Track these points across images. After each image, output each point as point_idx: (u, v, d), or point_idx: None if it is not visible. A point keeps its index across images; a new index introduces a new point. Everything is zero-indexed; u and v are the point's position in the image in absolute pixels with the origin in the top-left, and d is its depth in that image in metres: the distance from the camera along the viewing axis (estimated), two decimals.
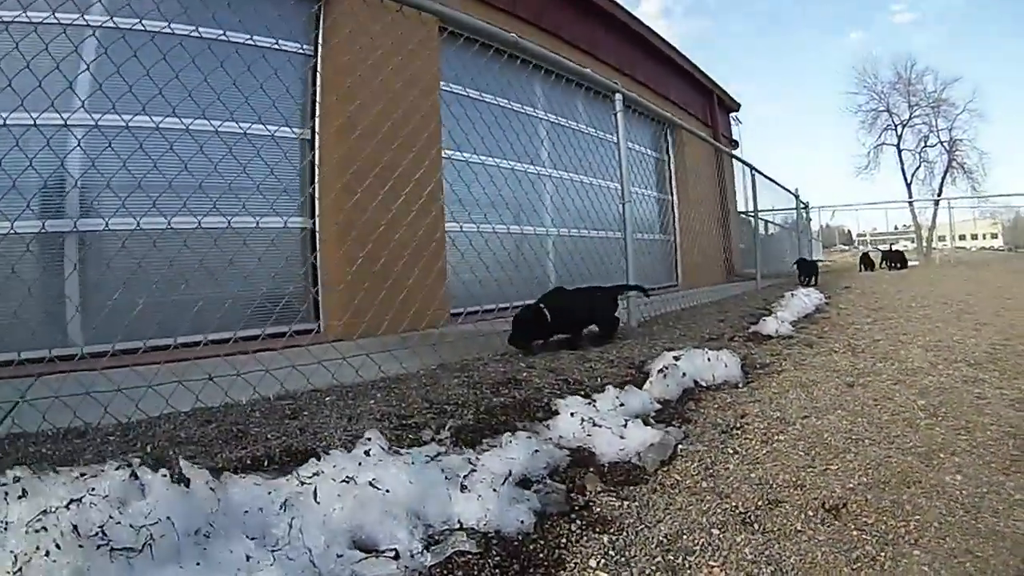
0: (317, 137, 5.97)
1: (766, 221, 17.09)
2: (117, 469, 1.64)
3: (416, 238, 4.09)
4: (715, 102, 17.51)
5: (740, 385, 4.02)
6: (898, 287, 11.82)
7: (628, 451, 2.69)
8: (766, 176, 13.49)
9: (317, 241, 6.03)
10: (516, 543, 1.95)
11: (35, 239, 5.00)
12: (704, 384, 3.96)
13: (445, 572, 1.76)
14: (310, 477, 1.99)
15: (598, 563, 1.84)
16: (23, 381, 2.93)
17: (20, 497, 1.52)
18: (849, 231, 45.43)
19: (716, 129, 16.89)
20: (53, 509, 1.47)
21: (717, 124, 17.13)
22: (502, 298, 5.25)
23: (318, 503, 1.88)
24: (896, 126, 40.59)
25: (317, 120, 5.93)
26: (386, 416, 3.12)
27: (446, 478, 2.13)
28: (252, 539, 1.67)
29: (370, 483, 1.95)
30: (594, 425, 2.85)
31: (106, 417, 3.08)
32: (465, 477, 2.17)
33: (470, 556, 1.83)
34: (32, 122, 2.57)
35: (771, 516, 2.13)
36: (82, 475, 1.62)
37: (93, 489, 1.57)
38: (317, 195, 6.04)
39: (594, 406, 3.16)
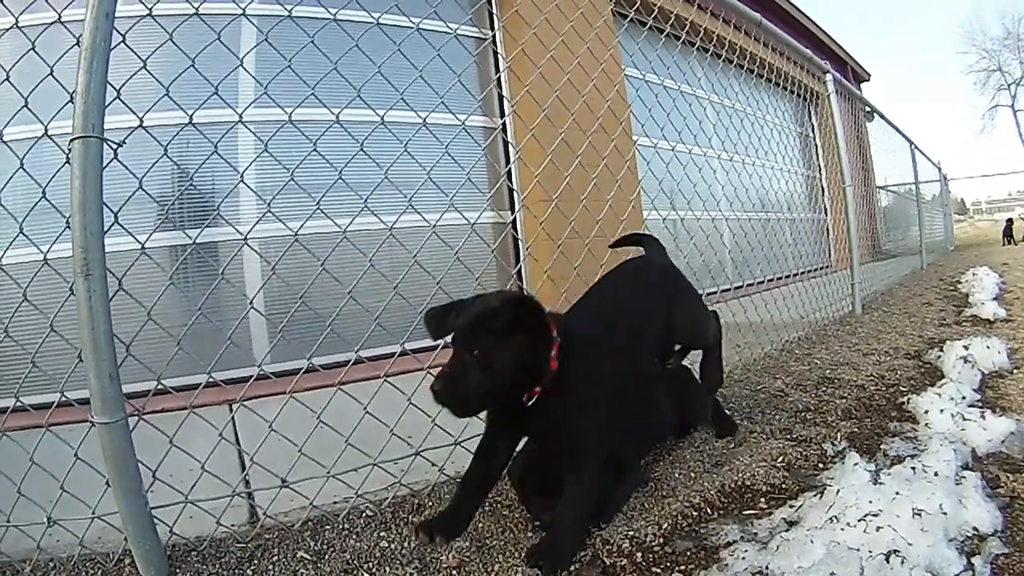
0: (509, 126, 5.99)
1: (894, 193, 16.63)
2: None
3: (617, 228, 4.00)
4: (849, 73, 17.15)
5: (1012, 371, 3.94)
6: None
7: (995, 441, 2.70)
8: (920, 149, 13.17)
9: (519, 236, 6.07)
10: (1008, 537, 1.99)
11: (206, 248, 5.15)
12: (985, 371, 3.88)
13: None
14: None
15: None
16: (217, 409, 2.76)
17: None
18: (962, 200, 43.67)
19: (853, 102, 16.52)
20: None
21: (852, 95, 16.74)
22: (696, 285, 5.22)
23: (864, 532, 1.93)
24: (1009, 85, 38.87)
25: (507, 108, 5.94)
26: (767, 434, 3.09)
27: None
28: None
29: (915, 511, 1.97)
30: (963, 419, 2.88)
31: None
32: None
33: (1002, 557, 1.87)
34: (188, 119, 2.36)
35: None
36: None
37: None
38: (516, 187, 6.05)
39: (948, 400, 3.18)
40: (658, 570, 1.93)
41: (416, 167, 2.92)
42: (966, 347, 4.05)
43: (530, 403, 1.95)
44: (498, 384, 1.84)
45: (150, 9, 2.26)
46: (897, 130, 11.72)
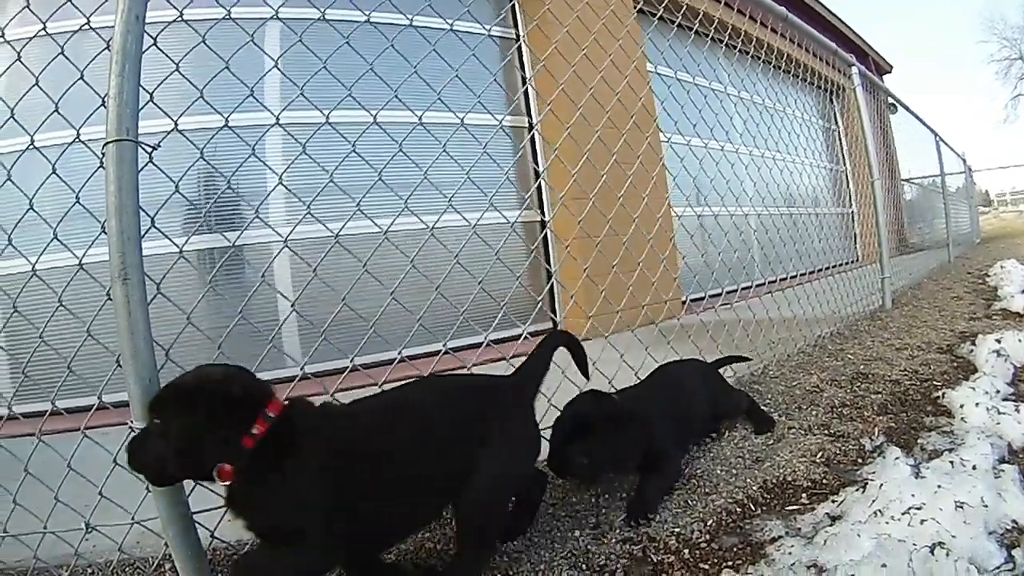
0: (538, 125, 5.96)
1: (918, 185, 16.46)
2: None
3: (648, 226, 3.96)
4: (871, 65, 17.02)
5: None
6: None
7: None
8: (944, 141, 13.05)
9: (549, 234, 6.06)
10: None
11: (241, 251, 5.19)
12: (1017, 364, 3.81)
13: None
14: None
15: None
16: None
17: None
18: (987, 191, 43.05)
19: (877, 95, 16.40)
20: None
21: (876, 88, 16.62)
22: (729, 281, 5.21)
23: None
24: None
25: (540, 107, 5.93)
26: (805, 430, 3.08)
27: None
28: None
29: (957, 504, 1.97)
30: (999, 413, 2.85)
31: None
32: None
33: None
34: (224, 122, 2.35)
35: None
36: None
37: None
38: (545, 186, 6.05)
39: (982, 393, 3.15)
40: (706, 566, 1.92)
41: (448, 168, 2.92)
42: (998, 340, 4.00)
43: (227, 484, 1.62)
44: (174, 457, 1.61)
45: (181, 12, 2.26)
46: (922, 122, 11.61)
